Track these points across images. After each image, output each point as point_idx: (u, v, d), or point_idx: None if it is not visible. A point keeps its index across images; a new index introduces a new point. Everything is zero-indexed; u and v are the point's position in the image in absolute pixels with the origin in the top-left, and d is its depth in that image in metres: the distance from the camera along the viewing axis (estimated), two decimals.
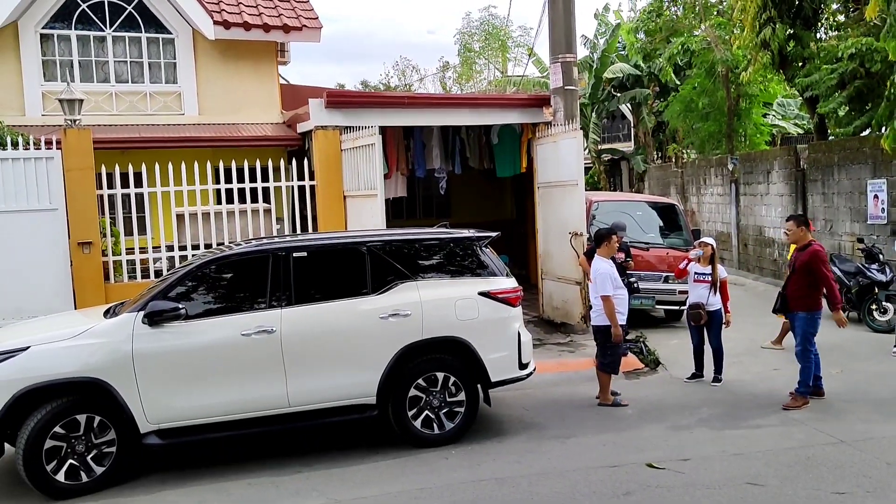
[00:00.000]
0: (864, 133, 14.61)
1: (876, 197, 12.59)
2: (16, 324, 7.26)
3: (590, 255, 9.56)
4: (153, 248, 9.76)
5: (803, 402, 7.22)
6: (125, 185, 9.37)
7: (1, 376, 5.49)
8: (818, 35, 16.27)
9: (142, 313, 5.81)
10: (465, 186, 15.35)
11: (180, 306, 5.87)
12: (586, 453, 6.19)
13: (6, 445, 5.79)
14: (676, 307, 11.54)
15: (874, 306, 10.83)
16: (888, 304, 10.64)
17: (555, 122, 10.81)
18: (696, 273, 8.32)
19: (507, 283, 6.83)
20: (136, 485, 5.77)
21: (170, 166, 9.54)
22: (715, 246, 8.48)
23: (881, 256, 11.18)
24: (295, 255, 6.31)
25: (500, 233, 7.21)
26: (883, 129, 12.06)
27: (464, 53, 36.50)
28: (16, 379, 5.50)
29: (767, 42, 15.09)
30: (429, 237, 6.90)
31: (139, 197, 9.68)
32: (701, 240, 8.57)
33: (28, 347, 5.63)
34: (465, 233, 7.00)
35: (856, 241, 12.55)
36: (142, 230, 10.18)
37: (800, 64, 15.61)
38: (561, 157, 10.44)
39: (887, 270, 10.86)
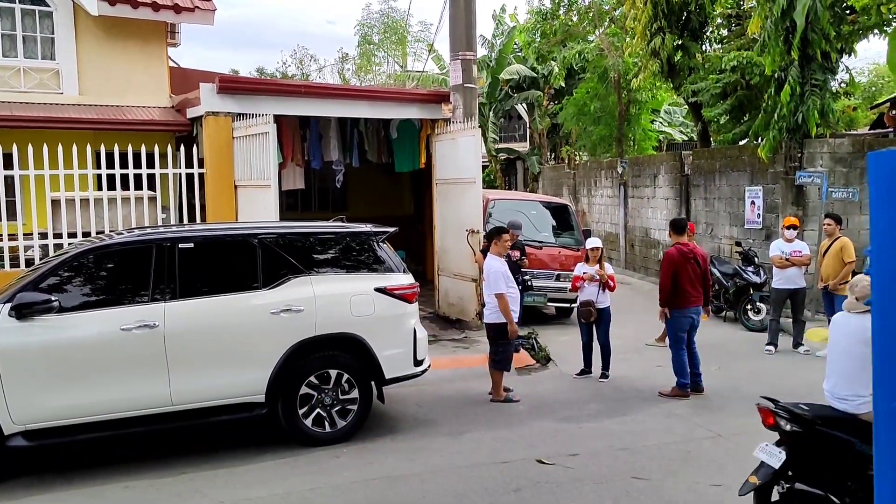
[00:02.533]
0: (743, 142, 15.46)
1: (753, 203, 13.32)
2: None
3: (486, 253, 9.66)
4: (24, 235, 9.08)
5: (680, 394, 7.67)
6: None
7: None
8: (704, 47, 17.08)
9: (9, 305, 5.37)
10: (362, 180, 15.18)
11: (53, 298, 5.46)
12: (478, 450, 6.22)
13: None
14: (567, 304, 11.82)
15: (749, 306, 11.46)
16: (762, 305, 11.28)
17: (454, 119, 10.84)
18: (584, 272, 8.53)
19: (404, 279, 6.76)
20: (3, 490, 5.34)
21: (45, 148, 8.90)
22: (601, 246, 8.78)
23: (756, 259, 11.84)
24: (181, 245, 6.01)
25: (397, 228, 7.12)
26: (759, 139, 12.78)
27: (363, 45, 36.14)
28: None
29: (657, 51, 15.70)
30: (324, 231, 6.74)
31: (9, 180, 9.00)
32: (591, 246, 8.75)
33: None
34: (362, 227, 6.88)
35: (734, 245, 13.25)
36: (12, 216, 9.45)
37: (686, 73, 16.32)
38: (459, 154, 10.47)
39: (762, 273, 11.51)
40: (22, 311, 5.37)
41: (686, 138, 25.13)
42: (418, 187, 15.45)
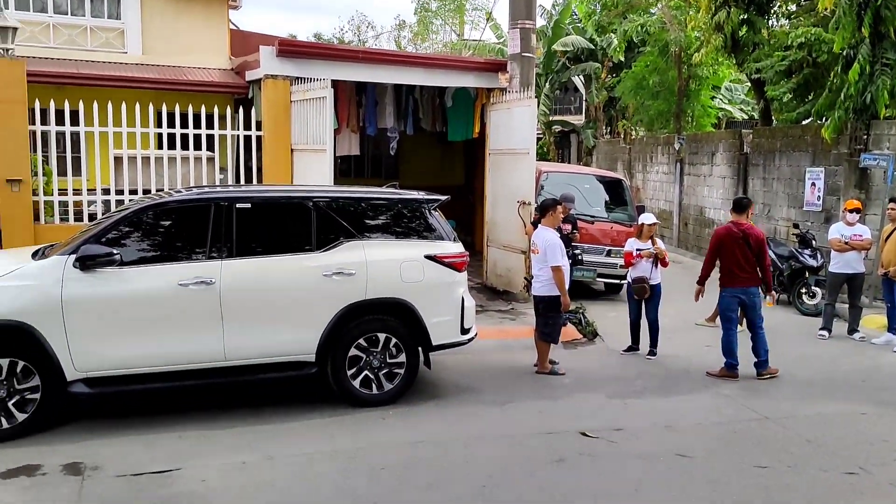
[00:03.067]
0: (806, 121, 14.98)
1: (813, 184, 12.95)
2: None
3: (536, 225, 9.61)
4: (88, 190, 9.36)
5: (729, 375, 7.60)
6: (60, 122, 8.93)
7: None
8: (770, 22, 16.53)
9: (73, 257, 5.57)
10: (415, 149, 15.18)
11: (115, 252, 5.64)
12: (522, 420, 6.26)
13: None
14: (617, 281, 11.72)
15: (804, 290, 11.20)
16: (817, 289, 11.01)
17: (510, 88, 10.74)
18: (637, 249, 8.43)
19: (454, 247, 6.79)
20: (60, 433, 5.58)
21: (109, 106, 9.11)
22: (657, 222, 8.66)
23: (814, 242, 11.54)
24: (238, 205, 6.12)
25: (449, 196, 7.13)
26: (824, 119, 12.37)
27: (420, 13, 35.93)
28: None
29: (721, 25, 15.26)
30: (378, 196, 6.79)
31: (75, 136, 9.26)
32: (650, 222, 8.62)
33: None
34: (415, 194, 6.91)
35: (791, 227, 12.92)
36: (76, 171, 9.74)
37: (751, 49, 15.84)
38: (514, 124, 10.39)
39: (819, 256, 11.21)
40: (85, 263, 5.56)
41: (746, 116, 24.46)
42: (470, 157, 15.40)
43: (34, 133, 8.81)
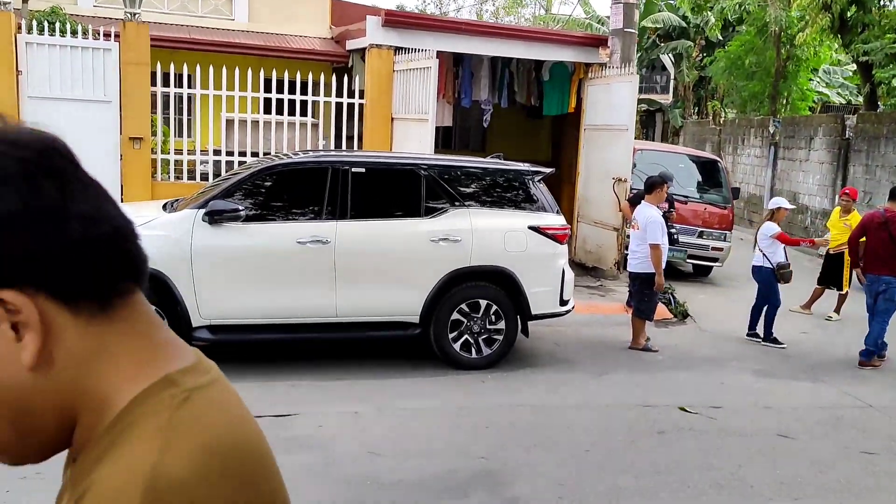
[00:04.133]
0: None
1: None
2: None
3: (632, 203, 9.59)
4: (190, 151, 9.80)
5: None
6: (168, 84, 9.35)
7: None
8: (881, 1, 15.83)
9: (202, 211, 5.92)
10: (503, 122, 15.21)
11: (241, 208, 5.97)
12: (619, 391, 6.36)
13: None
14: (708, 263, 11.60)
15: None
16: None
17: (610, 63, 10.67)
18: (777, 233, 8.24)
19: (557, 219, 6.89)
20: None
21: (221, 70, 9.49)
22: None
23: None
24: (354, 170, 6.37)
25: (554, 169, 7.21)
26: None
27: None
28: None
29: (829, 4, 14.73)
30: (485, 166, 6.94)
31: (187, 98, 9.68)
32: (782, 206, 8.49)
33: None
34: (521, 166, 7.03)
35: None
36: (188, 133, 10.19)
37: (859, 30, 15.23)
38: (613, 100, 10.34)
39: None
40: (213, 217, 5.90)
41: (844, 101, 23.52)
42: (557, 133, 15.35)
43: (154, 94, 9.27)
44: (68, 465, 0.83)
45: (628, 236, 9.06)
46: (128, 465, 0.71)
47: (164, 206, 6.49)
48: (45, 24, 8.70)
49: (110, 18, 10.66)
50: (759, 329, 8.28)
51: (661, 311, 9.37)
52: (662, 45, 25.47)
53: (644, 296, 7.63)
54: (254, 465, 0.77)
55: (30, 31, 8.56)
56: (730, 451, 5.22)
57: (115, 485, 0.70)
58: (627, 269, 8.03)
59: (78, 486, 0.74)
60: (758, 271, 8.35)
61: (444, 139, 15.94)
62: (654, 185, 7.66)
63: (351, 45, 11.40)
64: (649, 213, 7.47)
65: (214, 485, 0.71)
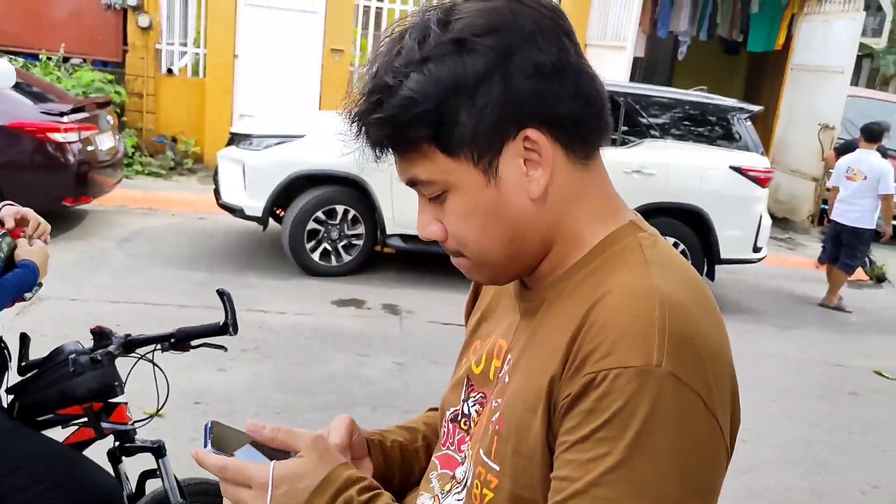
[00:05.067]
0: None
1: None
2: (289, 112, 7.86)
3: (838, 153, 8.90)
4: None
5: None
6: None
7: (278, 158, 6.07)
8: None
9: None
10: (694, 57, 14.39)
11: None
12: (809, 347, 6.07)
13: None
14: None
15: None
16: None
17: None
18: None
19: (761, 161, 6.55)
20: (375, 279, 6.32)
21: None
22: None
23: None
24: None
25: (763, 108, 6.81)
26: None
27: None
28: (290, 163, 6.06)
29: None
30: (687, 99, 6.67)
31: (386, 13, 9.90)
32: None
33: (304, 136, 6.15)
34: (726, 101, 6.70)
35: None
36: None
37: None
38: (830, 38, 9.51)
39: None
40: None
41: None
42: (753, 72, 14.35)
43: (357, 7, 9.56)
44: (512, 296, 1.00)
45: (828, 188, 8.48)
46: (639, 281, 0.83)
47: None
48: None
49: None
50: None
51: (857, 271, 8.76)
52: None
53: (858, 251, 7.17)
54: (716, 306, 0.88)
55: None
56: None
57: (637, 288, 0.82)
58: (838, 220, 7.36)
59: (544, 304, 0.92)
60: None
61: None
62: (878, 132, 7.05)
63: None
64: (878, 162, 6.92)
65: (703, 312, 0.83)
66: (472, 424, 1.01)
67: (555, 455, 0.82)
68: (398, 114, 0.83)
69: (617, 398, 0.76)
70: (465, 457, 1.00)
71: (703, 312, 0.83)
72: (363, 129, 0.86)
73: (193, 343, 1.96)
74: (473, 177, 0.86)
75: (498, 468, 0.89)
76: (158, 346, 1.94)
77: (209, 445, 0.90)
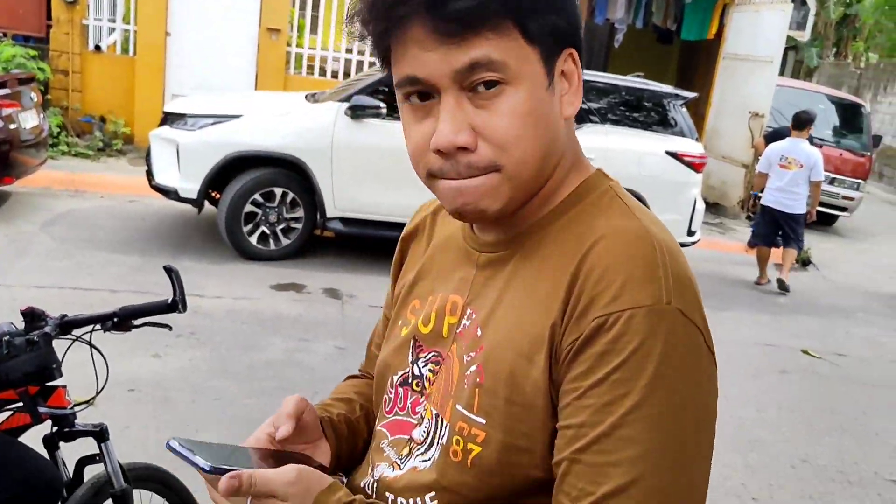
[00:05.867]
0: None
1: None
2: (223, 92, 7.65)
3: (767, 140, 9.18)
4: (323, 48, 9.87)
5: None
6: None
7: (214, 138, 5.89)
8: None
9: (346, 105, 6.02)
10: (628, 46, 14.60)
11: (382, 105, 6.03)
12: (739, 328, 6.26)
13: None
14: (833, 212, 11.06)
15: None
16: None
17: None
18: None
19: (696, 147, 6.71)
20: (315, 263, 6.23)
21: None
22: None
23: None
24: None
25: (697, 95, 6.95)
26: None
27: None
28: (226, 143, 5.89)
29: None
30: (626, 84, 6.75)
31: None
32: None
33: (241, 116, 5.99)
34: (664, 87, 6.82)
35: None
36: (315, 29, 10.27)
37: None
38: (760, 29, 9.78)
39: None
40: (356, 112, 6.00)
41: None
42: (685, 61, 14.67)
43: None
44: (457, 251, 1.00)
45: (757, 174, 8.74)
46: (633, 225, 0.85)
47: (307, 98, 6.63)
48: None
49: None
50: None
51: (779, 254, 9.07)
52: None
53: (799, 233, 7.52)
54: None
55: None
56: (855, 398, 5.11)
57: (633, 232, 0.84)
58: (776, 208, 7.52)
59: (518, 253, 0.92)
60: None
61: None
62: (807, 121, 7.30)
63: None
64: (812, 151, 7.22)
65: (684, 256, 0.87)
66: (427, 384, 0.98)
67: (562, 402, 0.81)
68: None
69: (632, 338, 0.78)
70: (422, 417, 0.97)
71: (684, 256, 0.87)
72: None
73: (136, 322, 1.87)
74: (539, 74, 0.84)
75: (484, 421, 0.87)
76: (98, 327, 1.85)
77: (203, 462, 0.80)
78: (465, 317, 0.94)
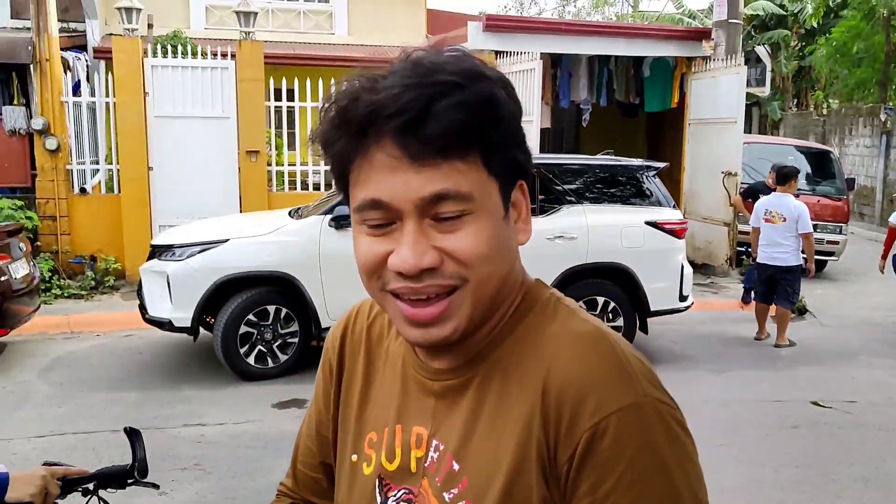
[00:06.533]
0: None
1: None
2: (208, 219, 7.76)
3: (744, 196, 9.38)
4: (302, 163, 10.12)
5: None
6: (279, 98, 9.70)
7: (202, 265, 5.99)
8: None
9: (329, 217, 6.16)
10: (596, 123, 15.06)
11: None
12: (746, 387, 6.23)
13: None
14: (823, 257, 11.17)
15: None
16: None
17: (714, 56, 10.48)
18: None
19: (674, 214, 6.84)
20: (312, 373, 6.18)
21: (320, 83, 9.78)
22: None
23: None
24: None
25: (668, 164, 7.16)
26: None
27: None
28: (215, 268, 5.98)
29: None
30: (597, 164, 6.95)
31: (298, 112, 10.03)
32: None
33: (227, 240, 6.10)
34: (634, 162, 7.01)
35: None
36: (292, 146, 10.55)
37: None
38: (719, 93, 10.15)
39: None
40: (340, 222, 6.13)
41: None
42: (653, 130, 15.11)
43: (268, 109, 9.67)
44: (408, 380, 0.98)
45: (741, 232, 8.88)
46: (585, 328, 0.88)
47: (290, 214, 6.78)
48: (168, 47, 9.24)
49: (218, 39, 11.22)
50: None
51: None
52: (758, 35, 24.68)
53: (793, 287, 7.51)
54: None
55: (154, 54, 9.11)
56: (872, 446, 5.05)
57: (588, 336, 0.87)
58: (768, 263, 7.57)
59: (476, 379, 0.90)
60: None
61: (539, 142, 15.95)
62: (790, 175, 7.48)
63: None
64: (795, 204, 7.35)
65: (630, 346, 0.89)
66: None
67: None
68: (482, 103, 0.81)
69: (630, 438, 0.80)
70: None
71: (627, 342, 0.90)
72: (424, 108, 0.78)
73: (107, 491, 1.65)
74: (497, 204, 0.86)
75: None
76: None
77: None
78: (432, 448, 0.92)
